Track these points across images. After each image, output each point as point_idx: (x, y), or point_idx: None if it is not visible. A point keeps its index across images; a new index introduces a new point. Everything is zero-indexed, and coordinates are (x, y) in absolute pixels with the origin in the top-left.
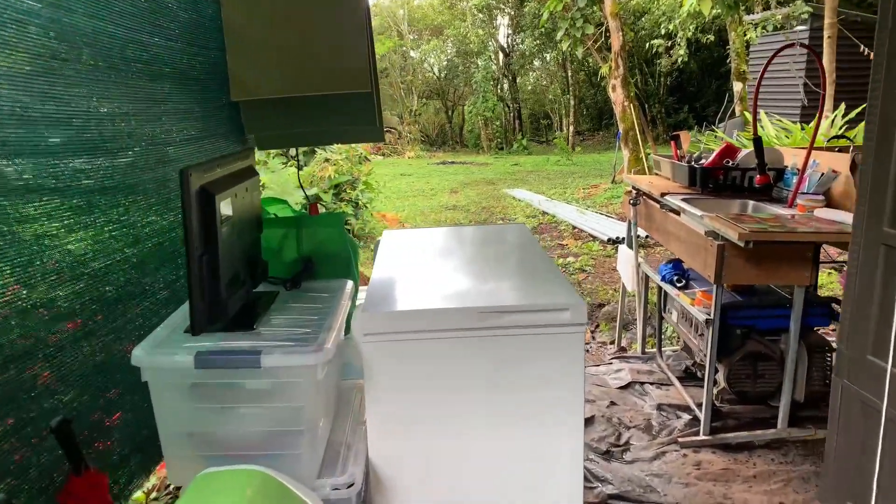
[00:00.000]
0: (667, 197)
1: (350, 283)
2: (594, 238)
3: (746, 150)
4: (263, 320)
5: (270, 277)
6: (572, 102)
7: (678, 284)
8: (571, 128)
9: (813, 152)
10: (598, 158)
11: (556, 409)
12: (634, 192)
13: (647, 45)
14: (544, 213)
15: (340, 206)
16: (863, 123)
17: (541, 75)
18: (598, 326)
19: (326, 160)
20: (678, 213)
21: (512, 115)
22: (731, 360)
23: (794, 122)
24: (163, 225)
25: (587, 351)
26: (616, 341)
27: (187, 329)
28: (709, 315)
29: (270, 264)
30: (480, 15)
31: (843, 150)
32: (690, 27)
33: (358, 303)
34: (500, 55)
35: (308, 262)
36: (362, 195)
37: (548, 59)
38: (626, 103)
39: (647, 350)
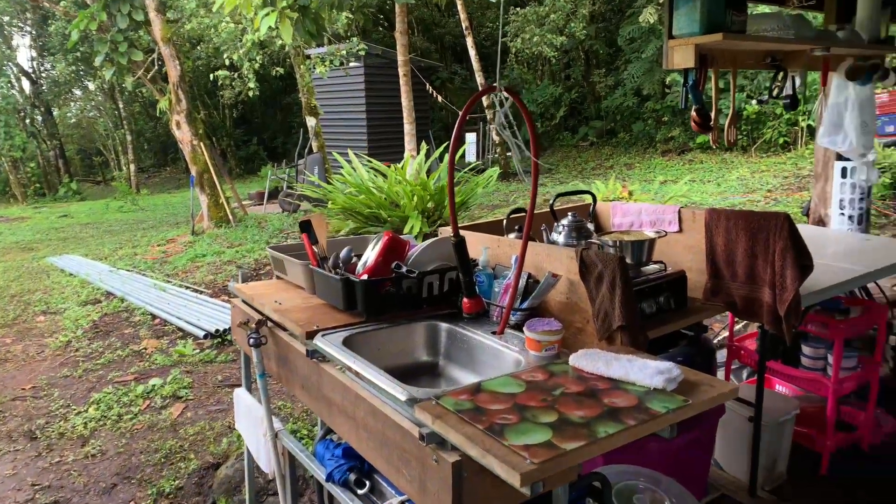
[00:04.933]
0: (319, 342)
1: None
2: (185, 334)
3: (419, 245)
4: None
5: None
6: (129, 137)
7: (359, 490)
8: (132, 166)
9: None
10: (169, 200)
11: None
12: (256, 321)
13: (211, 76)
14: (109, 294)
15: None
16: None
17: (86, 106)
18: None
19: None
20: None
21: (52, 153)
22: None
23: (359, 157)
24: None
25: None
26: None
27: None
28: None
29: None
30: None
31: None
32: (258, 58)
33: None
34: (26, 82)
35: None
36: None
37: (91, 88)
38: (194, 142)
39: None
